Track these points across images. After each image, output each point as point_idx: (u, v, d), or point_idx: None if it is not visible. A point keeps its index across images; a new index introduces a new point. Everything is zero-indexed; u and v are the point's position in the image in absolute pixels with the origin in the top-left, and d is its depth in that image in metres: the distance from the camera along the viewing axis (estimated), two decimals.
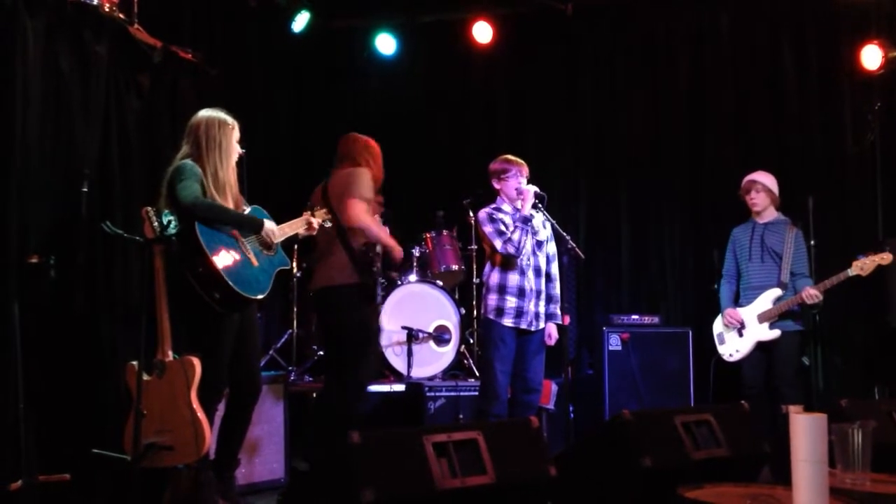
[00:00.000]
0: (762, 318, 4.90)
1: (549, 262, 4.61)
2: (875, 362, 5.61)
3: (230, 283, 3.50)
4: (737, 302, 5.10)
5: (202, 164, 3.65)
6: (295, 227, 3.95)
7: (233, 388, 3.84)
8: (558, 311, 4.56)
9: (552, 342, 4.55)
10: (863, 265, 4.67)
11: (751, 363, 4.97)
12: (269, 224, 3.77)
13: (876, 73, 5.73)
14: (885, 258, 4.67)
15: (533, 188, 4.45)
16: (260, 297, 3.67)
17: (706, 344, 5.58)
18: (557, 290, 4.60)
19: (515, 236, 4.38)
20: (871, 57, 5.70)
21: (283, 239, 3.87)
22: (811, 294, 4.74)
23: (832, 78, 6.05)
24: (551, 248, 4.65)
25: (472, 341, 5.87)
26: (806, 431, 2.11)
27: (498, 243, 4.42)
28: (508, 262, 4.45)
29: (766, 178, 5.07)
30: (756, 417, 3.44)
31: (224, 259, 3.54)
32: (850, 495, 2.22)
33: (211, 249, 3.51)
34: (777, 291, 4.90)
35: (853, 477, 2.41)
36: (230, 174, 3.75)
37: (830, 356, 5.55)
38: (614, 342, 5.76)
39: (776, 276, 4.92)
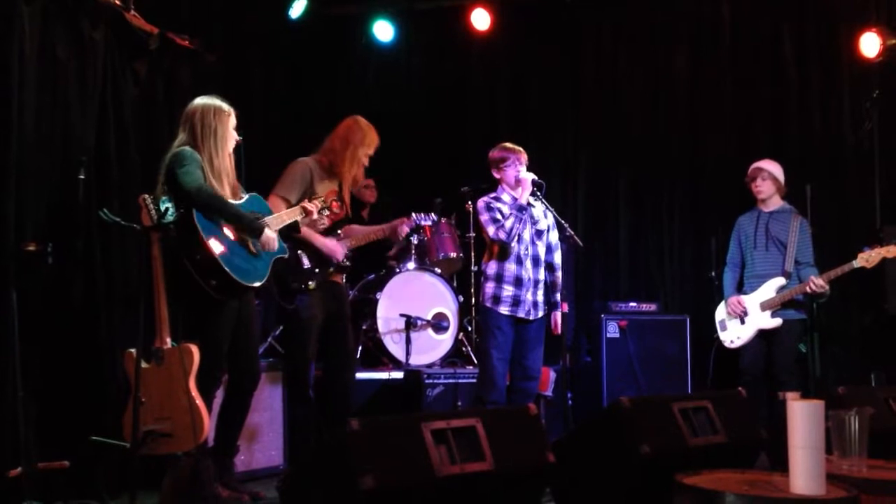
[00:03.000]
0: (765, 306, 4.89)
1: (550, 251, 4.59)
2: (872, 350, 5.62)
3: (227, 270, 3.50)
4: (740, 290, 5.09)
5: (198, 151, 3.64)
6: (292, 215, 3.94)
7: (232, 376, 3.84)
8: (559, 299, 4.56)
9: (559, 331, 4.54)
10: (868, 257, 4.62)
11: (750, 350, 4.97)
12: (268, 233, 3.69)
13: (874, 60, 5.71)
14: (891, 251, 4.61)
15: (531, 176, 4.44)
16: (257, 284, 3.67)
17: (704, 331, 5.59)
18: (560, 279, 4.59)
19: (508, 223, 4.36)
20: (870, 44, 5.68)
21: (280, 227, 3.85)
22: (818, 284, 4.71)
23: (831, 65, 6.03)
24: (553, 236, 4.63)
25: (470, 329, 5.87)
26: (803, 418, 2.12)
27: (491, 230, 4.41)
28: (506, 251, 4.44)
29: (772, 166, 5.04)
30: (753, 404, 3.45)
31: (221, 246, 3.53)
32: (846, 481, 2.23)
33: (208, 236, 3.50)
34: (781, 280, 4.88)
35: (850, 463, 2.43)
36: (227, 161, 3.74)
37: (828, 343, 5.56)
38: (612, 329, 5.76)
39: (780, 264, 4.91)
